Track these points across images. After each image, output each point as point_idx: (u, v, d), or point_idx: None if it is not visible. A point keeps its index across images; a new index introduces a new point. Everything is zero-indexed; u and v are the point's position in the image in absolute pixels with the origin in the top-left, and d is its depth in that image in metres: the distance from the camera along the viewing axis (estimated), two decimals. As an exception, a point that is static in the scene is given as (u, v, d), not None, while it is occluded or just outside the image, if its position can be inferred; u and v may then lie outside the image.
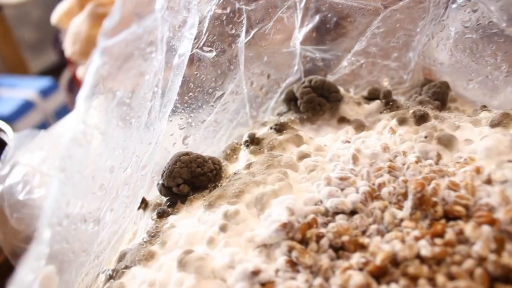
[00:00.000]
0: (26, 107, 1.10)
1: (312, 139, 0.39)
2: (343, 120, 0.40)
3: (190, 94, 0.38)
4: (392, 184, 0.32)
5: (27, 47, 1.50)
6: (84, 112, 0.31)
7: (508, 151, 0.32)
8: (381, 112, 0.40)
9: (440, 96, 0.40)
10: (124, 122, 0.34)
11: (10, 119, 1.03)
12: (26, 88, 1.14)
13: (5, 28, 1.42)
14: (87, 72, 0.32)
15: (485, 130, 0.35)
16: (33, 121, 1.12)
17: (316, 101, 0.40)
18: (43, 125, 1.11)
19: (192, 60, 0.37)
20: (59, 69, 1.20)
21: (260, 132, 0.40)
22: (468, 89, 0.40)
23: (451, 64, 0.40)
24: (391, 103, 0.40)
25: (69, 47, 0.70)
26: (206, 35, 0.37)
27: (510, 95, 0.39)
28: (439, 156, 0.33)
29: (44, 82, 1.17)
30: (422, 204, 0.30)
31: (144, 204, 0.38)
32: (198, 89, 0.37)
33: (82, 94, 0.30)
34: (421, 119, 0.36)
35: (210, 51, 0.37)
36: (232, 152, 0.39)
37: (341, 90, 0.42)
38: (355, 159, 0.34)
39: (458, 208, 0.29)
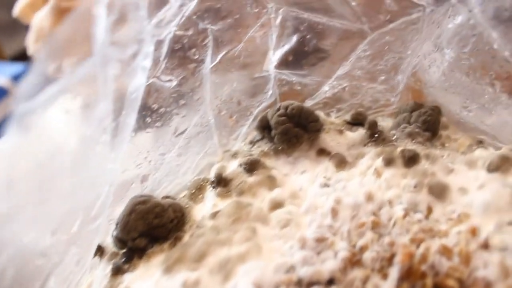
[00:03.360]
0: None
1: (288, 176, 0.34)
2: (322, 152, 0.36)
3: (148, 129, 0.33)
4: (375, 247, 0.27)
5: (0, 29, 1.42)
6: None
7: (508, 207, 0.28)
8: (365, 145, 0.35)
9: (431, 126, 0.35)
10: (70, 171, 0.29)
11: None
12: (-1, 74, 1.08)
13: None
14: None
15: (482, 176, 0.31)
16: (6, 109, 1.06)
17: (292, 133, 0.35)
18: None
19: (149, 91, 0.32)
20: (36, 53, 1.13)
21: (229, 167, 0.36)
22: (462, 116, 0.36)
23: (445, 88, 0.35)
24: (376, 135, 0.35)
25: (32, 45, 0.64)
26: (165, 62, 0.32)
27: (503, 115, 0.35)
28: (429, 210, 0.29)
29: (18, 67, 1.10)
30: (410, 275, 0.26)
31: (100, 252, 0.34)
32: (157, 124, 0.33)
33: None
34: (410, 161, 0.32)
35: (170, 80, 0.32)
36: (197, 191, 0.35)
37: (321, 115, 0.38)
38: (334, 213, 0.29)
39: (451, 282, 0.25)
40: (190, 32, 0.32)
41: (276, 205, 0.31)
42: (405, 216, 0.29)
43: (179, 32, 0.32)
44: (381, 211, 0.30)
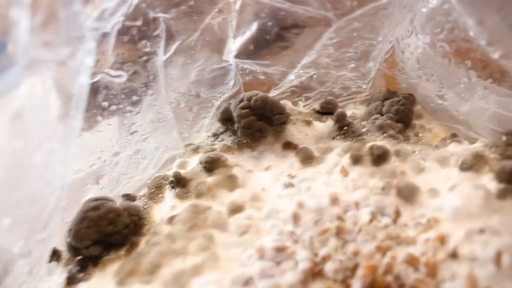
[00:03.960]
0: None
1: (251, 173, 0.32)
2: (289, 146, 0.34)
3: (100, 128, 0.30)
4: (339, 256, 0.26)
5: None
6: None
7: (479, 212, 0.26)
8: (333, 138, 0.33)
9: (404, 116, 0.33)
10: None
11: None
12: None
13: None
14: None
15: (454, 175, 0.29)
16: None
17: (256, 126, 0.33)
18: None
19: (97, 88, 0.29)
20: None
21: (191, 163, 0.34)
22: (436, 105, 0.34)
23: (419, 75, 0.33)
24: (346, 128, 0.33)
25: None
26: (113, 55, 0.29)
27: (479, 104, 0.33)
28: (397, 213, 0.28)
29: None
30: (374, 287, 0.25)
31: (56, 256, 0.32)
32: (109, 122, 0.30)
33: None
34: (379, 159, 0.30)
35: (119, 76, 0.30)
36: (157, 190, 0.33)
37: (289, 104, 0.35)
38: (296, 218, 0.28)
39: (416, 296, 0.24)
40: (139, 23, 0.29)
41: (236, 208, 0.29)
42: (371, 220, 0.27)
43: (128, 23, 0.29)
44: (346, 214, 0.28)
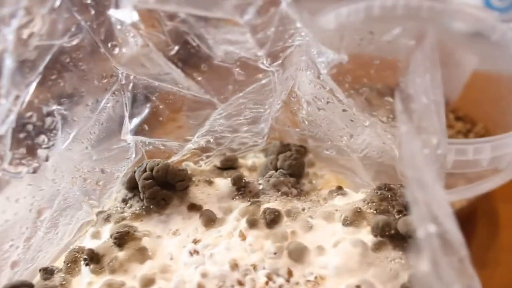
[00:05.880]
0: None
1: (160, 238, 0.35)
2: (193, 207, 0.36)
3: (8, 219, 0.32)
4: (240, 321, 0.29)
5: None
6: None
7: (357, 268, 0.30)
8: (233, 198, 0.36)
9: (296, 170, 0.37)
10: None
11: None
12: None
13: None
14: None
15: (338, 230, 0.33)
16: None
17: (160, 196, 0.35)
18: None
19: (-1, 186, 0.31)
20: None
21: (103, 232, 0.36)
22: (324, 156, 0.37)
23: (307, 132, 0.36)
24: (243, 188, 0.36)
25: None
26: (11, 154, 0.30)
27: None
28: (290, 273, 0.31)
29: None
30: None
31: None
32: (14, 216, 0.32)
33: None
34: (272, 222, 0.33)
35: (19, 172, 0.31)
36: (73, 264, 0.35)
37: (191, 165, 0.38)
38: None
39: None
40: (34, 119, 0.30)
41: (148, 282, 0.32)
42: (267, 282, 0.31)
43: (23, 121, 0.30)
44: (245, 278, 0.31)
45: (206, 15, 0.29)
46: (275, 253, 0.32)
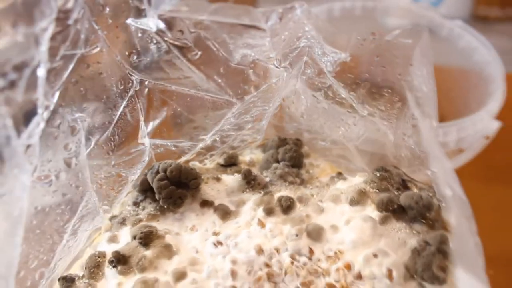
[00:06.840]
0: None
1: (180, 235, 0.37)
2: (205, 204, 0.38)
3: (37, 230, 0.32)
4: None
5: None
6: None
7: (370, 240, 0.34)
8: (243, 191, 0.39)
9: (297, 161, 0.40)
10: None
11: None
12: None
13: None
14: None
15: (346, 209, 0.36)
16: None
17: (176, 195, 0.37)
18: None
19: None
20: None
21: (121, 237, 0.37)
22: (320, 146, 0.41)
23: (305, 126, 0.40)
24: (252, 181, 0.39)
25: None
26: (41, 161, 0.31)
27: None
28: (311, 252, 0.34)
29: None
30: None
31: None
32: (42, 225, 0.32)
33: None
34: (288, 209, 0.36)
35: (48, 182, 0.32)
36: (96, 269, 0.36)
37: (197, 164, 0.40)
38: (234, 274, 0.33)
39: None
40: (60, 129, 0.31)
41: (180, 275, 0.34)
42: (292, 262, 0.34)
43: (49, 129, 0.31)
44: (272, 261, 0.34)
45: (234, 22, 0.31)
46: (296, 235, 0.35)
